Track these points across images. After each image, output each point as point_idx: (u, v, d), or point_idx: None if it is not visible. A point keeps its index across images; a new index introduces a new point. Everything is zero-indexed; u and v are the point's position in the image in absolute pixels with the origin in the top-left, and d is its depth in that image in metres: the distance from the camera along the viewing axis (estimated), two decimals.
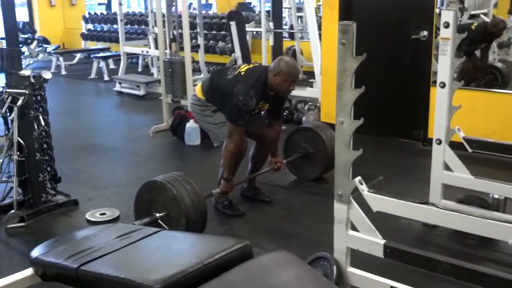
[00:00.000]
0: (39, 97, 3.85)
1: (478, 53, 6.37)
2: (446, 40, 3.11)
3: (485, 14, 7.49)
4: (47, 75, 3.84)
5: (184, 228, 3.01)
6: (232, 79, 3.56)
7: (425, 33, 4.98)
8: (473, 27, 6.35)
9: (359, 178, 2.54)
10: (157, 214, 3.09)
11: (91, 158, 5.14)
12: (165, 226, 3.02)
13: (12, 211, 3.58)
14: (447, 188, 3.29)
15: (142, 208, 3.21)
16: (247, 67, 3.70)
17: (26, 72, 3.69)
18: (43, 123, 3.85)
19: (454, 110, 3.20)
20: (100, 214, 3.73)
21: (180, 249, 2.15)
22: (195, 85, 5.03)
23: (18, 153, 3.63)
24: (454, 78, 3.21)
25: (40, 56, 10.52)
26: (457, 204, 3.21)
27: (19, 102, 3.59)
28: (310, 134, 4.25)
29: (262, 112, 3.83)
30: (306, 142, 4.25)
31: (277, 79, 3.50)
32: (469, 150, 3.30)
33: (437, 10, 5.63)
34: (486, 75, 6.37)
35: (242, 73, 3.58)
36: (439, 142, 3.21)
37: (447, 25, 3.08)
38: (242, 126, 3.53)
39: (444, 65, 3.14)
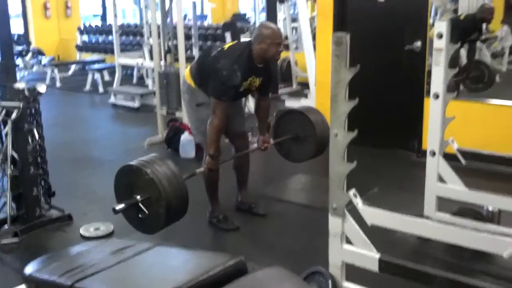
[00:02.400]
0: (33, 110, 3.82)
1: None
2: (440, 51, 3.12)
3: None
4: (42, 88, 3.83)
5: (164, 210, 2.91)
6: (216, 56, 3.56)
7: (419, 43, 5.01)
8: (461, 17, 6.37)
9: (353, 191, 2.54)
10: (138, 197, 2.96)
11: (86, 171, 5.13)
12: (145, 210, 2.94)
13: (6, 226, 3.56)
14: (442, 200, 3.28)
15: (122, 191, 3.10)
16: (231, 44, 3.70)
17: (20, 85, 3.68)
18: (37, 136, 3.83)
19: (447, 122, 3.20)
20: (95, 229, 3.71)
21: (174, 265, 2.14)
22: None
23: (11, 167, 3.62)
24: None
25: (35, 68, 10.53)
26: (452, 216, 3.21)
27: (13, 116, 3.59)
28: (300, 118, 4.07)
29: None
30: (295, 125, 4.08)
31: (263, 46, 3.44)
32: (463, 161, 3.30)
33: (430, 21, 5.66)
34: (474, 70, 6.37)
35: (225, 49, 3.59)
36: (433, 153, 3.21)
37: (440, 36, 3.09)
38: (225, 101, 3.47)
39: (438, 76, 3.14)
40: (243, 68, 3.44)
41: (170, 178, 2.96)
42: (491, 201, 3.12)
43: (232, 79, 3.41)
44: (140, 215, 2.85)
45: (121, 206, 2.91)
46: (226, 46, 3.64)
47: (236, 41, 3.78)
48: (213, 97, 3.50)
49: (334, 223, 2.54)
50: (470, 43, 6.25)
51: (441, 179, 3.24)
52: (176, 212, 2.97)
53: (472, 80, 6.21)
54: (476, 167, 3.52)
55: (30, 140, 3.74)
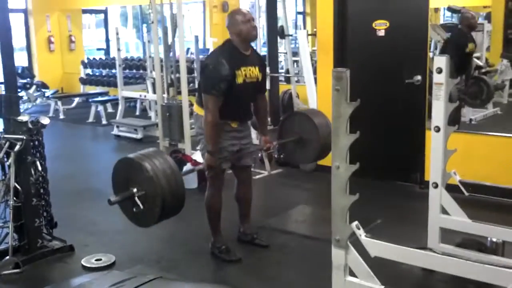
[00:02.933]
0: (36, 142, 3.86)
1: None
2: (440, 85, 3.16)
3: (478, 58, 7.63)
4: (45, 120, 3.86)
5: (160, 206, 2.87)
6: (203, 61, 3.66)
7: (419, 77, 5.06)
8: (448, 36, 6.43)
9: (356, 222, 2.54)
10: (134, 190, 2.92)
11: (88, 203, 5.12)
12: (140, 204, 2.90)
13: (7, 257, 3.54)
14: (445, 231, 3.27)
15: (119, 183, 3.06)
16: None
17: (24, 118, 3.71)
18: (40, 168, 3.84)
19: (449, 154, 3.22)
20: (96, 260, 3.69)
21: None
22: (192, 128, 5.09)
23: (14, 198, 3.62)
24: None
25: (39, 101, 10.60)
26: (456, 248, 3.20)
27: (17, 148, 3.60)
28: (304, 120, 4.05)
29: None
30: (299, 128, 4.06)
31: (236, 28, 3.53)
32: (466, 193, 3.30)
33: (430, 54, 5.72)
34: (473, 85, 6.41)
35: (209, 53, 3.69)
36: (436, 185, 3.22)
37: (440, 71, 3.13)
38: (216, 95, 3.47)
39: (438, 109, 3.17)
40: (228, 58, 3.49)
41: (167, 174, 2.91)
42: (494, 232, 3.11)
43: (220, 71, 3.45)
44: (135, 209, 2.84)
45: (116, 198, 2.89)
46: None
47: None
48: (204, 93, 3.53)
49: (337, 255, 2.53)
50: (467, 57, 6.25)
51: (444, 211, 3.23)
52: (171, 208, 2.95)
53: (470, 96, 6.23)
54: (478, 199, 3.51)
55: (33, 172, 3.75)
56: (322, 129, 3.85)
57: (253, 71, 3.62)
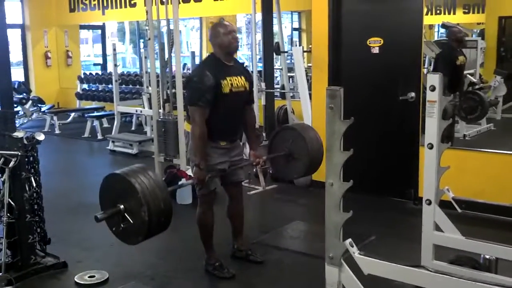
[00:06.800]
0: (31, 158, 3.85)
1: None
2: (433, 103, 3.18)
3: (471, 74, 7.68)
4: (40, 136, 3.86)
5: (147, 220, 2.85)
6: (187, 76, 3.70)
7: (413, 94, 5.09)
8: (437, 53, 6.51)
9: (349, 240, 2.54)
10: (121, 206, 2.93)
11: (82, 218, 5.09)
12: (127, 220, 2.90)
13: (0, 273, 3.52)
14: (439, 248, 3.27)
15: (107, 199, 3.06)
16: None
17: (19, 134, 3.71)
18: (34, 184, 3.83)
19: (442, 171, 3.22)
20: (89, 277, 3.67)
21: None
22: (187, 144, 5.11)
23: (8, 214, 3.61)
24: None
25: (34, 116, 10.59)
26: (449, 265, 3.19)
27: (11, 164, 3.59)
28: (293, 134, 4.05)
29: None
30: (289, 142, 4.05)
31: (218, 40, 3.60)
32: (459, 210, 3.31)
33: (424, 71, 5.76)
34: (466, 101, 6.45)
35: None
36: (429, 202, 3.22)
37: (433, 88, 3.15)
38: (202, 106, 3.49)
39: (431, 126, 3.19)
40: (213, 69, 3.53)
41: (154, 189, 2.91)
42: (488, 249, 3.10)
43: (205, 81, 3.48)
44: (122, 225, 2.86)
45: (103, 215, 2.91)
46: None
47: None
48: (189, 106, 3.57)
49: (330, 272, 2.53)
50: (459, 70, 6.26)
51: (437, 228, 3.24)
52: (158, 224, 2.93)
53: (465, 111, 6.27)
54: (471, 215, 3.52)
55: (27, 188, 3.74)
56: (311, 143, 3.87)
57: (239, 81, 3.65)
